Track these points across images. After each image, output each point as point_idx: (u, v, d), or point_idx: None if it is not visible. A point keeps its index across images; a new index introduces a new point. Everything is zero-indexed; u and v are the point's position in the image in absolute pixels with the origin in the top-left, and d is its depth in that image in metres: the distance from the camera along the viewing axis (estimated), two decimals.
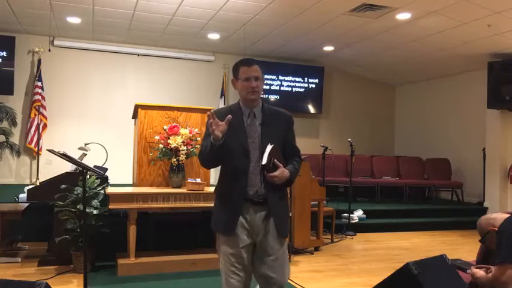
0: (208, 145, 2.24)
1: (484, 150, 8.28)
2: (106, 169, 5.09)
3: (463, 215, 7.87)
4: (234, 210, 2.33)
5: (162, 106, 4.88)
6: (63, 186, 4.23)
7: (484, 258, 2.85)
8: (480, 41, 7.13)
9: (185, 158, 4.55)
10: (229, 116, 2.21)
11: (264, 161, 2.24)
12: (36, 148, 7.96)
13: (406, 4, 6.01)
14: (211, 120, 2.16)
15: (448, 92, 9.54)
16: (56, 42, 8.30)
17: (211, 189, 4.71)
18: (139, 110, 4.74)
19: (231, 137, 2.25)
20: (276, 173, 2.25)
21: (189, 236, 4.85)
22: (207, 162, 2.41)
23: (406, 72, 9.85)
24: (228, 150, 2.26)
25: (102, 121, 8.57)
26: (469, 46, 7.42)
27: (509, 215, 2.47)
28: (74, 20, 7.34)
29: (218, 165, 2.41)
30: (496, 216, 2.55)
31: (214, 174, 8.65)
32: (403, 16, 6.46)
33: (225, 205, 2.37)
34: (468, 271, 2.74)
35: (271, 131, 2.39)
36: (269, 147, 2.26)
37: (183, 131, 4.57)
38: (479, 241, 2.67)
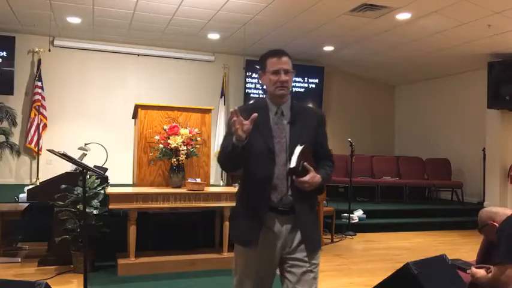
0: (230, 146, 1.98)
1: (484, 150, 8.28)
2: (106, 169, 5.08)
3: (463, 215, 7.87)
4: (255, 220, 2.05)
5: (162, 106, 4.88)
6: (63, 186, 4.23)
7: (483, 258, 2.85)
8: (480, 41, 7.13)
9: (185, 158, 4.55)
10: (255, 114, 1.94)
11: (293, 163, 1.98)
12: (36, 148, 7.96)
13: (406, 4, 6.01)
14: (234, 118, 1.91)
15: (448, 92, 9.54)
16: (56, 42, 8.30)
17: (211, 189, 4.72)
18: (139, 110, 4.74)
19: (255, 136, 2.00)
20: (306, 178, 1.99)
21: (189, 236, 4.85)
22: (227, 165, 2.15)
23: (406, 72, 9.85)
24: (251, 152, 2.01)
25: (102, 121, 8.58)
26: (469, 46, 7.42)
27: (511, 213, 2.47)
28: (74, 20, 7.34)
29: (239, 168, 2.16)
30: (497, 211, 2.57)
31: (214, 174, 8.70)
32: (403, 16, 6.46)
33: (246, 213, 2.10)
34: (468, 271, 2.74)
35: (301, 130, 2.12)
36: (299, 148, 2.01)
37: (183, 131, 4.57)
38: (478, 230, 2.68)
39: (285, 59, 2.16)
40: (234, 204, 4.73)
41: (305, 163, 1.99)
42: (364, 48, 8.24)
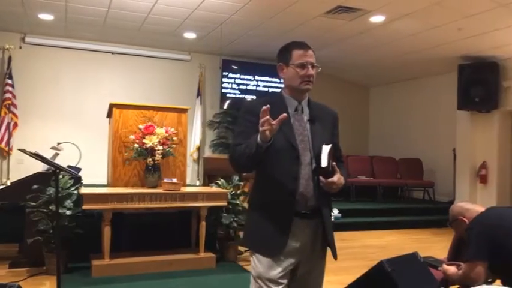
0: (252, 146, 1.82)
1: (454, 150, 8.51)
2: (79, 169, 5.00)
3: (435, 213, 8.06)
4: (282, 227, 1.90)
5: (138, 105, 4.83)
6: (35, 186, 4.14)
7: (454, 255, 2.94)
8: (451, 44, 7.32)
9: (161, 157, 4.51)
10: (284, 114, 1.79)
11: (324, 163, 1.87)
12: (7, 147, 7.75)
13: (380, 7, 6.12)
14: (266, 117, 1.75)
15: (420, 94, 9.75)
16: (27, 39, 8.10)
17: (188, 189, 4.70)
18: (114, 109, 4.67)
19: (276, 134, 1.84)
20: (334, 179, 1.90)
21: (165, 236, 4.81)
22: (245, 166, 1.96)
23: (379, 74, 10.03)
24: (271, 150, 1.85)
25: (75, 120, 8.41)
26: (441, 49, 7.61)
27: (481, 210, 2.54)
28: (46, 16, 7.18)
29: (254, 169, 2.02)
30: (469, 208, 2.62)
31: (191, 174, 8.65)
32: (377, 19, 6.58)
33: (269, 219, 1.93)
34: (440, 268, 2.82)
35: (321, 129, 2.02)
36: (327, 148, 1.90)
37: (159, 130, 4.53)
38: (448, 223, 2.74)
39: (311, 52, 2.04)
40: (212, 204, 4.74)
41: (334, 163, 1.92)
42: (339, 49, 8.35)
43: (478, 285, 2.31)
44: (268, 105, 1.75)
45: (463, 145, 8.34)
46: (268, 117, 1.75)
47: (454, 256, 2.94)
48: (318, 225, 1.99)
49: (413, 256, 2.67)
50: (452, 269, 2.53)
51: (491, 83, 7.64)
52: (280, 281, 1.93)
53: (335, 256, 2.05)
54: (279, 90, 2.11)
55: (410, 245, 6.16)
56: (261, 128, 1.77)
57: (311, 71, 2.00)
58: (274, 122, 1.76)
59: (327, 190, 1.93)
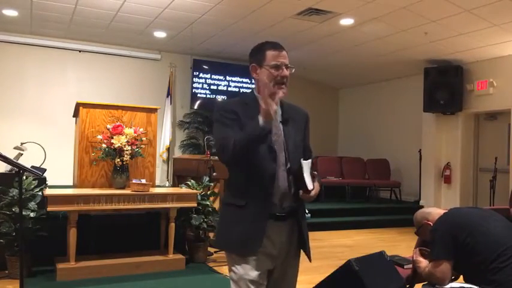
0: (253, 130, 1.80)
1: (420, 151, 8.73)
2: (44, 170, 4.87)
3: (401, 213, 8.23)
4: (258, 225, 1.87)
5: (106, 105, 4.75)
6: None
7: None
8: (417, 48, 7.51)
9: (130, 158, 4.44)
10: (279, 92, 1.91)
11: (310, 185, 1.88)
12: None
13: (349, 10, 6.21)
14: (272, 90, 1.85)
15: (387, 96, 9.96)
16: None
17: (157, 190, 4.63)
18: (80, 108, 4.57)
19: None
20: (312, 193, 1.90)
21: (133, 238, 4.73)
22: (236, 155, 1.85)
23: (348, 76, 10.18)
24: (250, 151, 1.85)
25: (40, 119, 8.17)
26: (407, 52, 7.80)
27: (444, 211, 2.62)
28: (10, 12, 6.94)
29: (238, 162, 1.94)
30: (430, 211, 2.71)
31: (160, 175, 8.55)
32: (346, 22, 6.68)
33: (244, 220, 1.89)
34: (406, 266, 2.89)
35: (293, 131, 2.02)
36: (307, 164, 1.91)
37: (127, 130, 4.46)
38: (415, 233, 2.82)
39: (285, 53, 2.01)
40: (181, 205, 4.70)
41: (315, 181, 1.93)
42: (309, 51, 8.42)
43: (445, 284, 2.37)
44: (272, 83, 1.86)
45: (428, 146, 8.57)
46: (272, 91, 1.83)
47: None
48: (293, 227, 1.99)
49: (380, 255, 2.72)
50: (423, 263, 2.57)
51: (456, 86, 7.88)
52: (261, 281, 1.92)
53: (310, 259, 2.06)
54: (249, 91, 2.11)
55: (377, 244, 6.28)
56: (265, 106, 1.78)
57: (285, 72, 1.98)
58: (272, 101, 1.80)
59: (305, 200, 1.94)
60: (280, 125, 2.00)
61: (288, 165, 1.94)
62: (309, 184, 1.86)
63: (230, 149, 1.84)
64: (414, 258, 2.66)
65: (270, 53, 1.97)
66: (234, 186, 2.00)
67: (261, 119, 1.79)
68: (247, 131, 1.82)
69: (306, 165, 1.89)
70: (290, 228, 1.98)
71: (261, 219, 1.88)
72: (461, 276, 2.53)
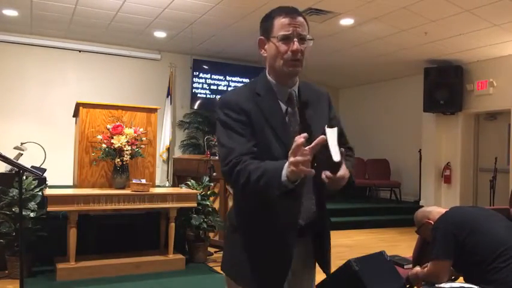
0: (271, 181, 1.31)
1: (420, 151, 8.73)
2: (44, 170, 4.87)
3: (401, 213, 8.24)
4: (282, 258, 1.47)
5: (105, 105, 4.75)
6: None
7: (419, 255, 3.01)
8: (417, 48, 7.51)
9: (130, 158, 4.44)
10: (304, 134, 1.27)
11: (337, 156, 1.34)
12: None
13: (349, 10, 6.21)
14: (306, 151, 1.24)
15: (387, 96, 9.96)
16: None
17: (157, 190, 4.64)
18: (80, 108, 4.57)
19: (265, 132, 1.45)
20: (341, 173, 1.37)
21: (133, 238, 4.74)
22: (247, 192, 1.42)
23: (348, 76, 10.18)
24: (263, 155, 1.41)
25: (40, 119, 8.17)
26: (407, 52, 7.80)
27: (444, 211, 2.62)
28: (10, 12, 6.94)
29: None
30: (431, 210, 2.71)
31: (160, 175, 8.55)
32: (346, 22, 6.68)
33: (262, 247, 1.48)
34: (406, 266, 2.89)
35: (316, 121, 1.55)
36: (332, 132, 1.38)
37: (127, 130, 4.46)
38: (416, 232, 2.82)
39: (300, 19, 1.53)
40: (181, 205, 4.70)
41: (342, 149, 1.39)
42: (309, 51, 8.41)
43: (442, 282, 2.38)
44: (305, 135, 1.25)
45: (428, 146, 8.57)
46: (303, 150, 1.23)
47: (418, 256, 3.01)
48: (307, 242, 1.63)
49: (380, 255, 2.72)
50: (416, 269, 2.60)
51: (456, 86, 7.89)
52: None
53: (327, 273, 1.74)
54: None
55: (377, 244, 6.29)
56: (291, 167, 1.25)
57: (297, 45, 1.50)
58: (306, 150, 1.24)
59: (331, 188, 1.44)
60: (297, 113, 1.55)
61: (331, 158, 1.37)
62: (335, 155, 1.34)
63: (240, 182, 1.40)
64: (411, 274, 2.67)
65: (278, 21, 1.50)
66: (247, 204, 1.55)
67: (285, 169, 1.28)
68: (267, 181, 1.32)
69: (332, 133, 1.37)
70: (308, 245, 1.62)
71: (287, 246, 1.47)
72: (461, 277, 2.54)
